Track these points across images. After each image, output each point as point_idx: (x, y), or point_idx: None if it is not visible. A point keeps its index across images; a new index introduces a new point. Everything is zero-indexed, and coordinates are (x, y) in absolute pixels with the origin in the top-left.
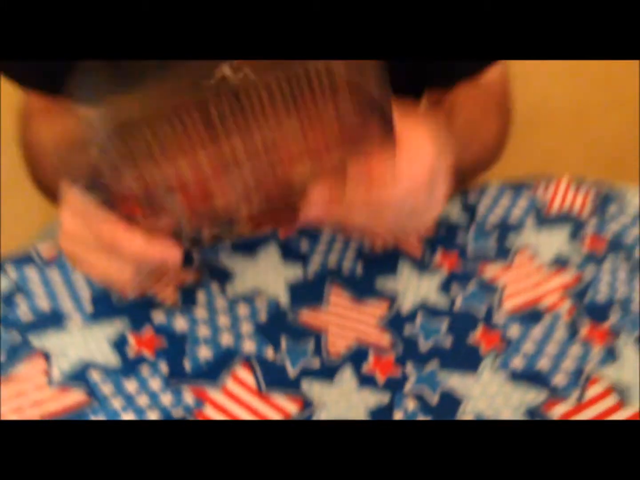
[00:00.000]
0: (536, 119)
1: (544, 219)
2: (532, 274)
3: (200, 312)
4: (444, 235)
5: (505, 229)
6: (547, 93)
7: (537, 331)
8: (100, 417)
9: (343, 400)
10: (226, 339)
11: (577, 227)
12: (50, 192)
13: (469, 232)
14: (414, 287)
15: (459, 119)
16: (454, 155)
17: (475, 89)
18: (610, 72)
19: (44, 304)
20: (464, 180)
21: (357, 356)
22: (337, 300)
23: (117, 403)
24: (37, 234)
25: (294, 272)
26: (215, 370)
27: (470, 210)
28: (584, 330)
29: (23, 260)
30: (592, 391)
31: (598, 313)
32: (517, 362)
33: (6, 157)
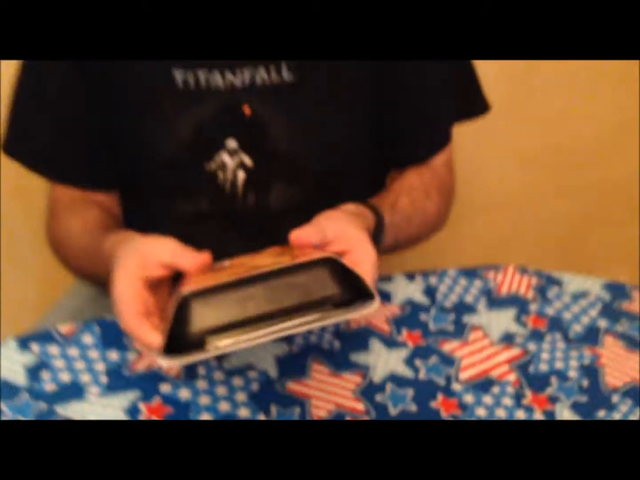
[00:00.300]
0: (489, 207)
1: (494, 300)
2: (484, 349)
3: (201, 384)
4: (408, 315)
5: (461, 309)
6: (498, 182)
7: (488, 398)
8: None
9: None
10: (224, 407)
11: (522, 308)
12: (81, 275)
13: (430, 312)
14: (384, 361)
15: (405, 199)
16: (396, 221)
17: (422, 175)
18: (558, 162)
19: (65, 377)
20: (407, 246)
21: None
22: (318, 372)
23: None
24: (50, 310)
25: (281, 349)
26: None
27: (431, 293)
28: (528, 397)
29: (45, 337)
30: None
31: (539, 383)
32: None
33: (5, 236)
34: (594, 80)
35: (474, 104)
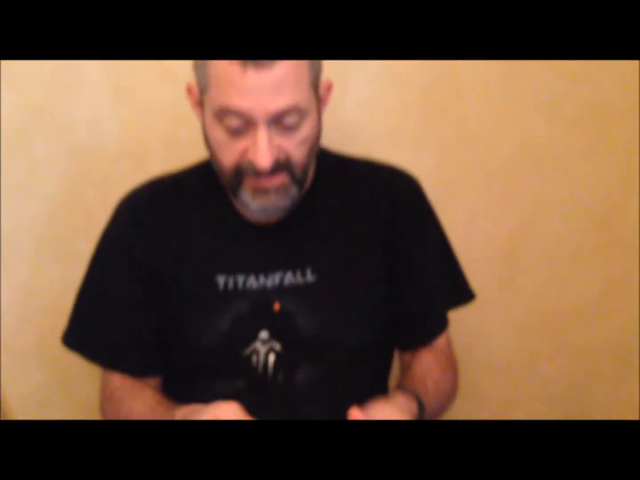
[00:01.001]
0: (490, 373)
1: None
2: None
3: None
4: None
5: None
6: (497, 350)
7: None
8: None
9: None
10: None
11: None
12: None
13: None
14: None
15: (429, 381)
16: (430, 403)
17: (435, 354)
18: (550, 325)
19: None
20: (435, 415)
21: None
22: None
23: None
24: None
25: None
26: None
27: None
28: None
29: None
30: None
31: None
32: None
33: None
34: (576, 249)
35: (461, 292)
